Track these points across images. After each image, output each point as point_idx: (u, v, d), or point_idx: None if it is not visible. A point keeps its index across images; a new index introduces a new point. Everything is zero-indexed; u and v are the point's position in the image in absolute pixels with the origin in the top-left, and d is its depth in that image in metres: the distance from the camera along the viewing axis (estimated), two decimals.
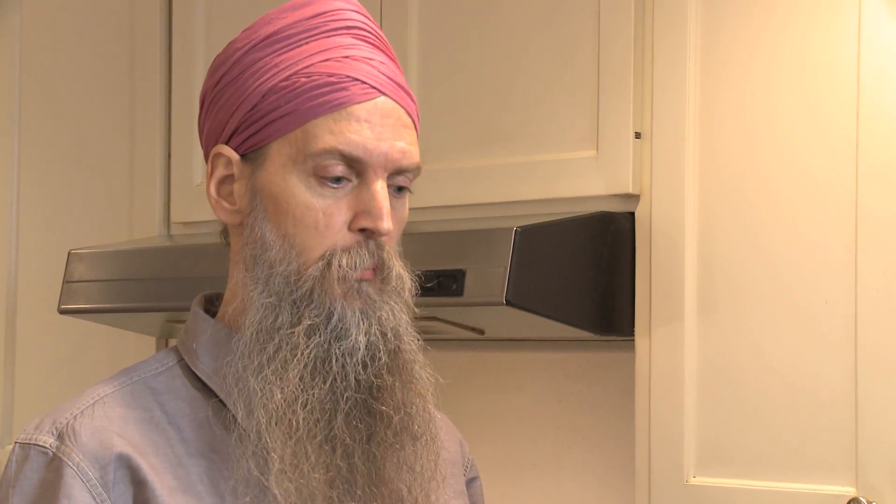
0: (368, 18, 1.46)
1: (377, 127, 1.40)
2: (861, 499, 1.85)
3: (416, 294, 1.45)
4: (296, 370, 1.38)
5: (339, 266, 1.39)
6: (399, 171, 1.42)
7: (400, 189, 1.44)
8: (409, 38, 2.33)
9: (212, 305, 1.51)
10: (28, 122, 2.95)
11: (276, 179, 1.41)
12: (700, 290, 2.02)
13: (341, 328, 1.39)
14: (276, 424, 1.37)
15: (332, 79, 1.40)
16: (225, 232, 1.49)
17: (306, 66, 1.41)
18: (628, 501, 2.27)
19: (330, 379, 1.38)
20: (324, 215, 1.39)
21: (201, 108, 1.49)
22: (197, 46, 2.63)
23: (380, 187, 1.40)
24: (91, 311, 2.53)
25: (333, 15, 1.44)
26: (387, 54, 1.45)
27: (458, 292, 2.00)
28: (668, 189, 2.05)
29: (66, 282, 2.54)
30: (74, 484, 1.36)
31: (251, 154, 1.43)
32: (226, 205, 1.45)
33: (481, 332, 2.30)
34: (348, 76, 1.40)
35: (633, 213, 2.10)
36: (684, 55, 2.04)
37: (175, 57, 2.68)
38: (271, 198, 1.41)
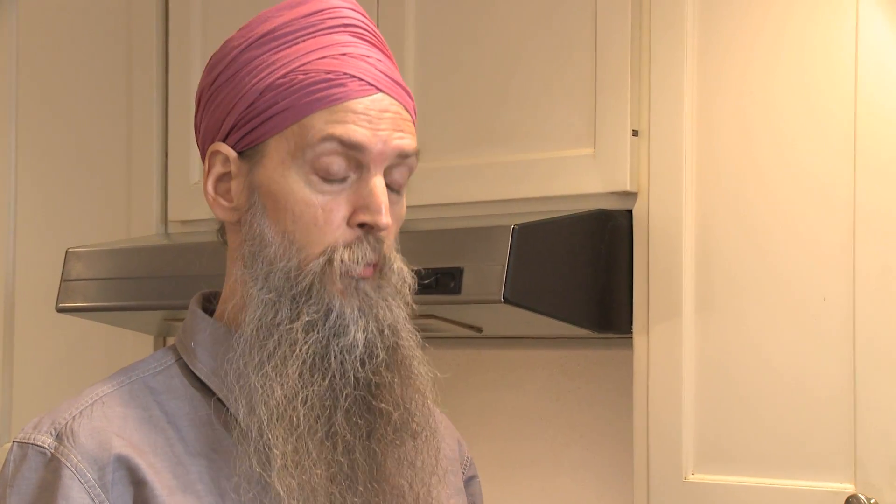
0: (365, 16, 1.46)
1: (375, 120, 1.40)
2: (860, 495, 1.85)
3: (414, 291, 1.45)
4: (294, 366, 1.38)
5: (342, 261, 1.39)
6: (398, 160, 1.41)
7: (397, 192, 1.44)
8: (405, 37, 2.33)
9: (210, 304, 1.51)
10: (25, 120, 2.95)
11: (275, 176, 1.41)
12: (698, 287, 2.02)
13: (340, 325, 1.39)
14: (277, 421, 1.37)
15: (330, 75, 1.40)
16: (222, 230, 1.49)
17: (303, 64, 1.41)
18: (627, 499, 2.27)
19: (329, 376, 1.38)
20: (323, 211, 1.39)
21: (197, 106, 1.48)
22: (193, 45, 2.63)
23: (378, 182, 1.40)
24: (89, 309, 2.53)
25: (330, 13, 1.44)
26: (383, 52, 1.46)
27: (456, 290, 2.00)
28: (665, 187, 2.05)
29: (63, 280, 2.54)
30: (72, 485, 1.36)
31: (248, 151, 1.43)
32: (223, 202, 1.45)
33: (479, 329, 2.30)
34: (346, 73, 1.40)
35: (630, 211, 2.10)
36: (681, 52, 2.04)
37: (172, 55, 2.68)
38: (269, 194, 1.41)
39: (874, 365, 1.86)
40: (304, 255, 1.39)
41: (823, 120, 1.92)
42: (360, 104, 1.40)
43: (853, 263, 1.88)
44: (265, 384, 1.38)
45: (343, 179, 1.40)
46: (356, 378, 1.39)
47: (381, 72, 1.42)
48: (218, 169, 1.45)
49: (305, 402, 1.37)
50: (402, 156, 1.42)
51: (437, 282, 2.01)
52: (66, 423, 1.39)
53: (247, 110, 1.42)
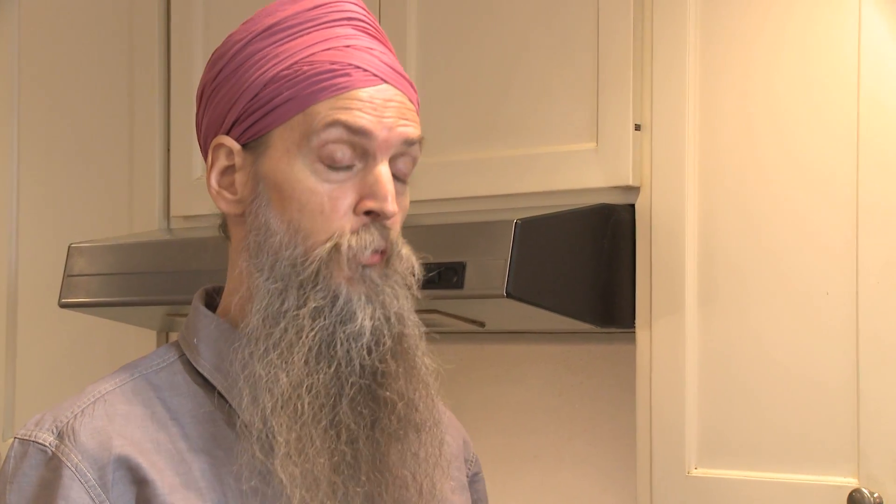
0: (367, 11, 1.48)
1: (380, 108, 1.40)
2: (863, 489, 1.85)
3: (420, 282, 1.45)
4: (301, 353, 1.38)
5: (349, 247, 1.38)
6: (403, 149, 1.42)
7: (402, 182, 1.44)
8: (407, 31, 2.33)
9: (213, 299, 1.51)
10: (28, 116, 2.95)
11: (281, 166, 1.41)
12: (701, 281, 2.02)
13: (346, 311, 1.39)
14: (281, 409, 1.37)
15: (335, 66, 1.40)
16: (223, 225, 1.49)
17: (308, 55, 1.41)
18: (629, 493, 2.27)
19: (335, 364, 1.38)
20: (329, 199, 1.39)
21: (199, 102, 1.48)
22: (196, 40, 2.63)
23: (384, 170, 1.40)
24: (91, 304, 2.53)
25: (333, 7, 1.45)
26: (386, 46, 1.46)
27: (459, 285, 2.00)
28: (668, 181, 2.05)
29: (66, 276, 2.54)
30: (72, 485, 1.36)
31: (252, 143, 1.43)
32: (227, 195, 1.45)
33: (482, 324, 2.30)
34: (350, 63, 1.41)
35: (633, 205, 2.09)
36: (684, 46, 2.04)
37: (174, 51, 2.68)
38: (275, 184, 1.41)
39: (877, 359, 1.86)
40: (311, 243, 1.39)
41: (826, 114, 1.92)
42: (365, 93, 1.40)
43: (856, 257, 1.88)
44: (270, 371, 1.38)
45: (348, 168, 1.40)
46: (362, 366, 1.39)
47: (385, 63, 1.43)
48: (222, 162, 1.45)
49: (310, 391, 1.37)
50: (407, 143, 1.42)
51: (440, 276, 2.00)
52: (68, 421, 1.39)
53: (251, 102, 1.42)
